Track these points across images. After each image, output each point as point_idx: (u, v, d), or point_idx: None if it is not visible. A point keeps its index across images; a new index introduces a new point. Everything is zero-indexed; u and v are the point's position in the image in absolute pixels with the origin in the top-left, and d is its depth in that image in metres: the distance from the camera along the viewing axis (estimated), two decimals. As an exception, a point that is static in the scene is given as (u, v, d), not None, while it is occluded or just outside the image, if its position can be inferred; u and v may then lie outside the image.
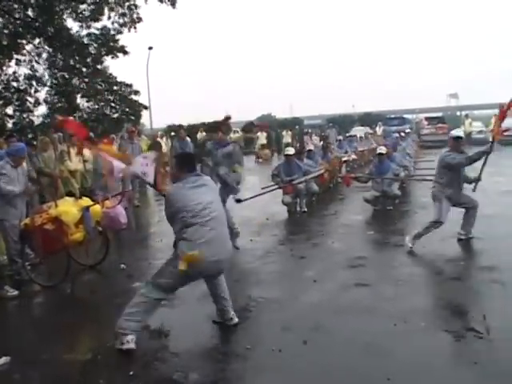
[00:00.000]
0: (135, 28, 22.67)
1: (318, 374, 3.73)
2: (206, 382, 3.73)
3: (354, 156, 16.73)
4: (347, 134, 22.32)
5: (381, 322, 4.53)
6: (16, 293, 5.97)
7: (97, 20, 22.27)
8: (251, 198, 9.28)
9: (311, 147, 13.25)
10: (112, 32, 22.60)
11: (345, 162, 15.51)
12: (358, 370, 3.73)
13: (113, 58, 23.10)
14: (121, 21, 22.37)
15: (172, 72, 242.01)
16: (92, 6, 21.99)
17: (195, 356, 4.13)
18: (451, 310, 4.79)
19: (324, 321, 4.64)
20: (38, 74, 22.61)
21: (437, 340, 4.13)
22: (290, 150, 10.96)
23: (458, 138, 6.98)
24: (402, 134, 16.96)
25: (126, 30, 22.61)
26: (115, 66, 24.91)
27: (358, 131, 26.95)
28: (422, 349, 3.99)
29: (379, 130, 28.59)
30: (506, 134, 7.26)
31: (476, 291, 5.30)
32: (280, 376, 3.78)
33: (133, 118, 24.49)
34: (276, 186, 10.22)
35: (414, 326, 4.40)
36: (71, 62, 22.34)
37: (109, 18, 22.27)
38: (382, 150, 10.57)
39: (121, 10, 22.16)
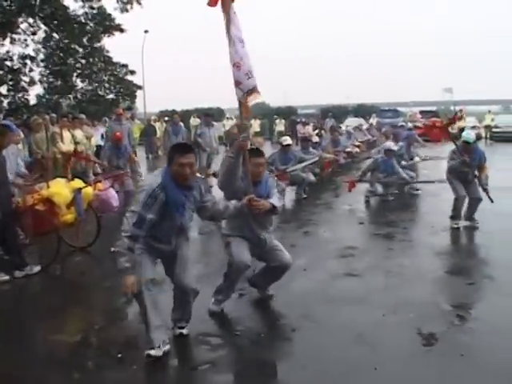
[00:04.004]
0: (140, 4, 22.62)
1: (306, 361, 3.74)
2: (193, 367, 3.74)
3: (357, 149, 16.69)
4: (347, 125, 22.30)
5: (370, 312, 4.55)
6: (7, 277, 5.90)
7: None
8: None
9: (316, 139, 13.42)
10: (118, 11, 22.48)
11: (347, 153, 15.53)
12: (345, 359, 3.75)
13: (109, 36, 22.98)
14: None
15: (166, 57, 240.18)
16: None
17: (183, 341, 4.12)
18: (440, 302, 4.81)
19: (313, 309, 4.65)
20: (32, 54, 22.42)
21: (425, 331, 4.14)
22: (288, 140, 10.78)
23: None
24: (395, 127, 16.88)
25: (130, 7, 22.51)
26: (111, 48, 24.73)
27: (352, 122, 26.82)
28: (410, 339, 4.01)
29: (373, 121, 28.50)
30: None
31: (465, 284, 5.31)
32: (267, 362, 3.79)
33: (128, 98, 24.43)
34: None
35: (403, 317, 4.42)
36: (67, 41, 22.16)
37: None
38: (393, 147, 10.57)
39: None
